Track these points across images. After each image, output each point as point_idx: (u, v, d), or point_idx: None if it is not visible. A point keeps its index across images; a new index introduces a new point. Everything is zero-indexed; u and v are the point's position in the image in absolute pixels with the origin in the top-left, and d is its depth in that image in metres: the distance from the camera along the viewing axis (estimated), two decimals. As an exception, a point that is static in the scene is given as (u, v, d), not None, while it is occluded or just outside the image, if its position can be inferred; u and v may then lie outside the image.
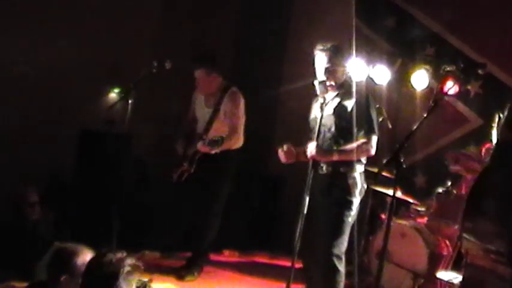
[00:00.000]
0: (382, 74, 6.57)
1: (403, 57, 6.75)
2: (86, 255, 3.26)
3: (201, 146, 5.53)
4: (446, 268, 5.09)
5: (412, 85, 6.49)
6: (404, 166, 3.44)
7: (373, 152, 4.42)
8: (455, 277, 4.66)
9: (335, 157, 4.38)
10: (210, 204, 5.74)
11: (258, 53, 7.37)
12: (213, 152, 5.37)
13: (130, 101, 5.13)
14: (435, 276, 5.15)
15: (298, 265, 4.70)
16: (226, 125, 5.60)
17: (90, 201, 6.26)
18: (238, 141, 5.77)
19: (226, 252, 6.25)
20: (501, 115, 4.72)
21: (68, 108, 6.50)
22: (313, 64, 4.49)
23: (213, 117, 5.69)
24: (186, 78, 6.93)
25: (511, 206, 2.93)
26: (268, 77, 7.32)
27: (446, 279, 4.80)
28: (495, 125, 5.11)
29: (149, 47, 6.63)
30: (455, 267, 4.89)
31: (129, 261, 2.99)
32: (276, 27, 7.57)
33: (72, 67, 6.46)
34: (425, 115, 3.84)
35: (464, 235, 3.11)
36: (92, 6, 6.68)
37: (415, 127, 3.65)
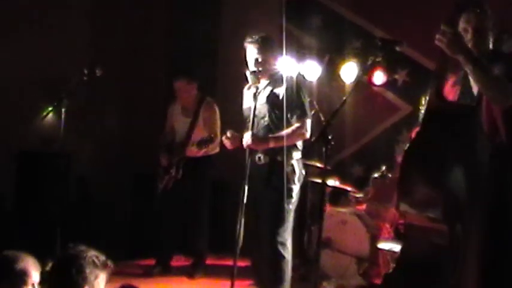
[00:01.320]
0: (312, 70, 6.73)
1: (331, 53, 6.95)
2: (26, 262, 3.21)
3: (190, 150, 5.81)
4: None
5: (341, 78, 6.68)
6: (332, 143, 3.56)
7: (307, 135, 4.52)
8: (395, 246, 4.81)
9: (271, 144, 4.44)
10: (197, 209, 6.02)
11: (190, 56, 7.43)
12: (201, 152, 5.69)
13: (63, 110, 5.13)
14: (378, 259, 5.29)
15: (246, 263, 4.79)
16: (206, 132, 5.82)
17: (32, 223, 6.17)
18: (217, 147, 5.97)
19: (173, 257, 6.21)
20: (427, 98, 4.95)
21: (2, 128, 6.40)
22: (245, 56, 4.57)
23: (193, 125, 5.93)
24: (123, 91, 6.98)
25: (443, 167, 3.09)
26: (202, 79, 7.39)
27: (387, 248, 4.93)
28: (422, 107, 5.30)
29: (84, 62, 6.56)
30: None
31: (95, 253, 2.99)
32: (206, 31, 7.65)
33: (3, 85, 6.37)
34: (350, 98, 3.96)
35: (402, 199, 3.24)
36: (22, 19, 6.61)
37: (339, 105, 3.78)
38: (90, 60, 6.55)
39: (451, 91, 3.42)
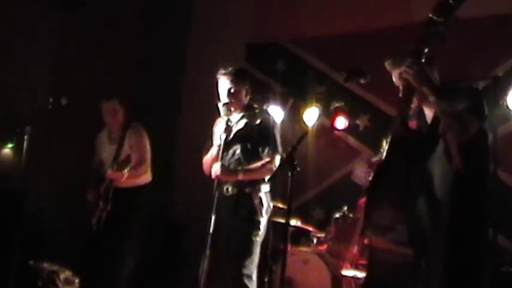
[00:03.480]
0: (275, 114, 6.79)
1: (294, 97, 7.04)
2: None
3: (109, 173, 5.40)
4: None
5: (304, 122, 6.76)
6: (298, 169, 3.60)
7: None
8: (359, 273, 4.86)
9: (240, 176, 4.44)
10: (124, 243, 5.55)
11: (153, 98, 7.44)
12: (125, 177, 5.29)
13: (26, 137, 5.05)
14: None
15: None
16: (134, 158, 5.46)
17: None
18: (147, 175, 5.70)
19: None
20: (387, 140, 5.06)
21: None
22: (217, 88, 4.60)
23: (119, 152, 5.56)
24: (84, 129, 6.89)
25: (408, 193, 3.15)
26: (165, 118, 7.41)
27: (351, 274, 4.95)
28: (383, 150, 5.41)
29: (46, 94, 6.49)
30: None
31: (59, 268, 2.87)
32: (171, 73, 7.71)
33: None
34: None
35: (368, 223, 3.28)
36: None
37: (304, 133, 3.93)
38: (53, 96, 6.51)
39: (411, 124, 3.51)
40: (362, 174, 3.93)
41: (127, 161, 5.25)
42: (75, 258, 6.76)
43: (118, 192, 5.50)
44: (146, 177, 5.72)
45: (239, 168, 4.49)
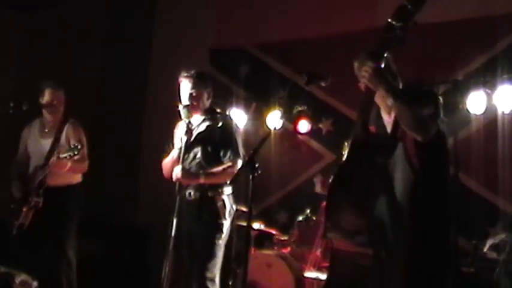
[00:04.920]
0: (238, 118, 6.82)
1: (257, 101, 7.08)
2: None
3: (54, 162, 5.05)
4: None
5: (267, 126, 6.78)
6: (259, 171, 3.61)
7: None
8: (321, 275, 4.91)
9: (201, 180, 4.43)
10: (61, 250, 5.21)
11: (117, 104, 7.39)
12: (67, 167, 5.04)
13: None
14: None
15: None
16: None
17: None
18: (79, 175, 5.42)
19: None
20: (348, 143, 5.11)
21: None
22: (179, 91, 4.58)
23: (55, 145, 5.17)
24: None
25: (368, 196, 3.18)
26: (129, 123, 7.36)
27: (313, 276, 4.97)
28: (345, 152, 5.45)
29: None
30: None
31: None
32: (135, 78, 7.68)
33: None
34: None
35: (328, 226, 3.30)
36: None
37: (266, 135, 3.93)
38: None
39: (371, 127, 3.54)
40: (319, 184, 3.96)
41: (77, 147, 4.93)
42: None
43: (48, 190, 5.14)
44: (79, 176, 5.42)
45: (200, 171, 4.47)
